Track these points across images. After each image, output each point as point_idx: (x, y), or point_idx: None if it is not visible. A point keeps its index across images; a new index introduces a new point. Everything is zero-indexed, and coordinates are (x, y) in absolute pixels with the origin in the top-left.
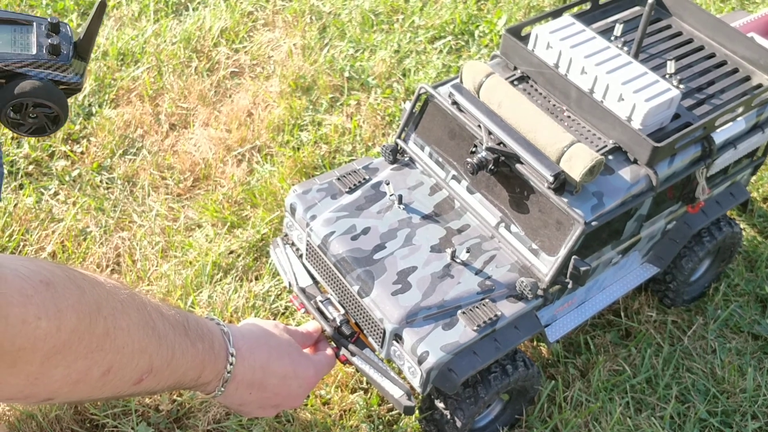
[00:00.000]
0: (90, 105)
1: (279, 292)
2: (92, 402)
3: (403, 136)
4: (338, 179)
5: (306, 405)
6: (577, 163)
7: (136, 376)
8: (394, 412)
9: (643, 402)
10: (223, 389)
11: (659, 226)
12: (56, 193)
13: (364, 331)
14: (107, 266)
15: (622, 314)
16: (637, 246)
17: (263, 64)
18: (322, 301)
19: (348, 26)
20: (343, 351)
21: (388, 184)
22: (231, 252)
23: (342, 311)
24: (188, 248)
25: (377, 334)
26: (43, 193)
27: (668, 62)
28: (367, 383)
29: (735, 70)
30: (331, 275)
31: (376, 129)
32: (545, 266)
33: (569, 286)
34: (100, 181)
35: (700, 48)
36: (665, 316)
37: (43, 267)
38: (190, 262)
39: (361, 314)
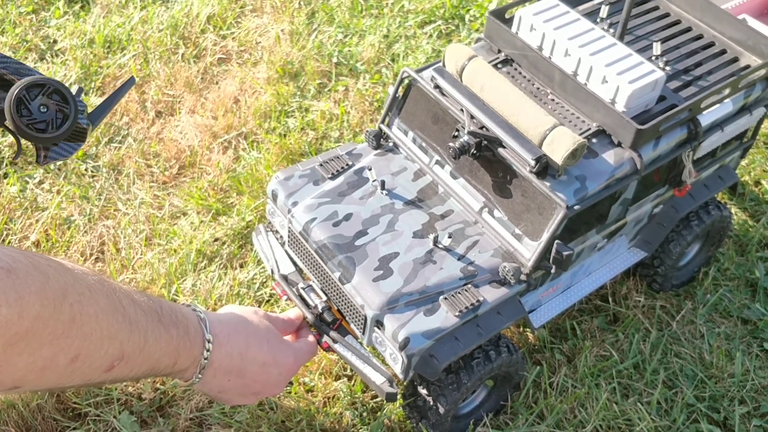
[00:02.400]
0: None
1: (264, 280)
2: (63, 390)
3: (386, 121)
4: (321, 165)
5: (289, 393)
6: (559, 146)
7: (107, 363)
8: (377, 399)
9: (630, 387)
10: (200, 376)
11: (646, 209)
12: (41, 182)
13: (346, 318)
14: (91, 254)
15: (610, 299)
16: (623, 230)
17: (251, 50)
18: (304, 288)
19: (337, 11)
20: (325, 338)
21: (370, 170)
22: (216, 240)
23: (324, 298)
24: (173, 236)
25: (359, 320)
26: (27, 182)
27: (654, 44)
28: (351, 370)
29: (723, 51)
30: (313, 262)
31: (364, 115)
32: (528, 251)
33: (552, 271)
34: (86, 170)
35: (688, 29)
36: (654, 301)
37: (5, 254)
38: (175, 250)
39: (342, 301)
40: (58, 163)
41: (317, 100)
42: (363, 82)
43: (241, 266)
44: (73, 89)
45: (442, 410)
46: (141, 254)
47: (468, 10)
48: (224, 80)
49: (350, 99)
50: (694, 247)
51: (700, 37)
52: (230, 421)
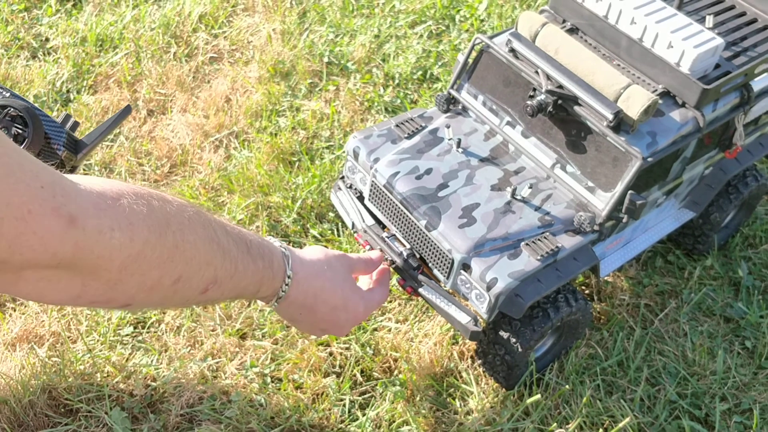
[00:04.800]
0: (68, 91)
1: None
2: (164, 309)
3: (456, 86)
4: (396, 126)
5: (279, 389)
6: (635, 102)
7: (203, 285)
8: (366, 396)
9: (614, 384)
10: (276, 304)
11: (698, 170)
12: None
13: (429, 264)
14: None
15: (596, 297)
16: (678, 189)
17: (242, 49)
18: (387, 238)
19: (328, 11)
20: (409, 283)
21: (448, 127)
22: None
23: (407, 246)
24: None
25: (444, 265)
26: None
27: (707, 17)
28: (340, 366)
29: (766, 27)
30: (398, 212)
31: (354, 114)
32: (602, 202)
33: (624, 220)
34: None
35: (732, 7)
36: (638, 299)
37: (113, 184)
38: None
39: (427, 247)
40: None
41: (308, 100)
42: (354, 82)
43: None
44: (60, 117)
45: (521, 349)
46: None
47: (458, 11)
48: (216, 79)
49: (341, 98)
50: (734, 211)
51: (743, 14)
52: (220, 417)
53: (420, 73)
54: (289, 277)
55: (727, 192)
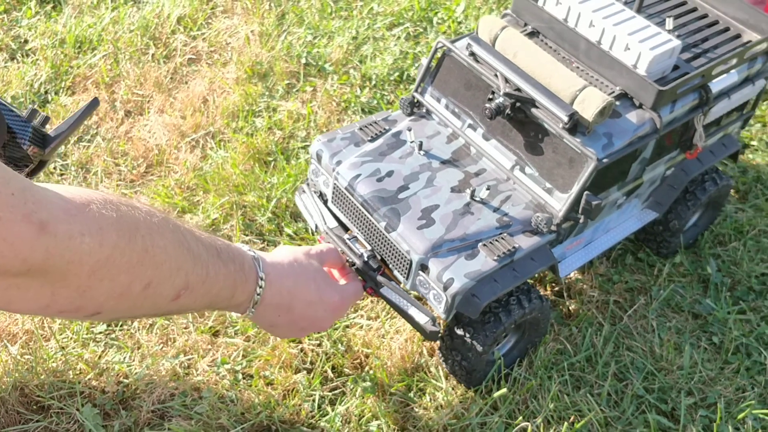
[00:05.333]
0: (46, 92)
1: None
2: (134, 318)
3: (419, 89)
4: (360, 129)
5: (250, 386)
6: (590, 104)
7: (174, 292)
8: (336, 391)
9: (582, 379)
10: (253, 311)
11: (659, 171)
12: None
13: (390, 265)
14: None
15: (565, 294)
16: (639, 190)
17: (221, 51)
18: (349, 239)
19: (307, 13)
20: (369, 283)
21: (410, 130)
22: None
23: (368, 248)
24: None
25: (403, 266)
26: None
27: (667, 19)
28: (311, 363)
29: (726, 29)
30: (358, 214)
31: (331, 115)
32: (559, 203)
33: (581, 221)
34: (54, 168)
35: (694, 9)
36: (608, 296)
37: (82, 191)
38: None
39: (387, 248)
40: None
41: (285, 101)
42: (331, 83)
43: None
44: (26, 112)
45: (480, 348)
46: None
47: (436, 13)
48: (194, 80)
49: (318, 99)
50: (696, 214)
51: (705, 16)
52: (191, 413)
53: (397, 74)
54: (262, 279)
55: (685, 198)
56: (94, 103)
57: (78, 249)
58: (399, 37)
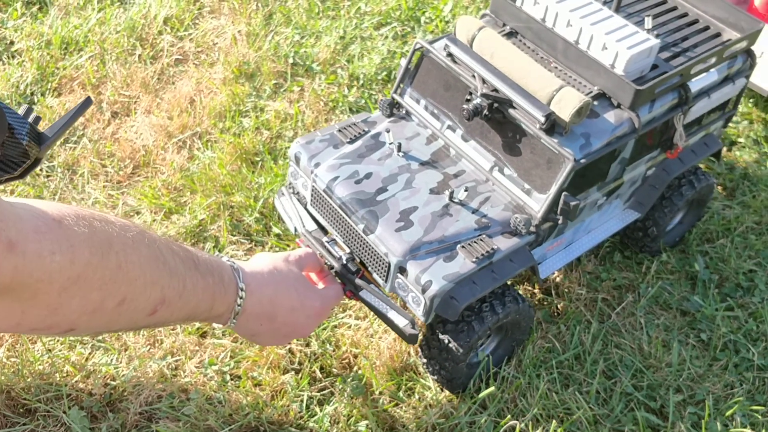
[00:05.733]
0: (32, 94)
1: None
2: (113, 332)
3: (399, 90)
4: (339, 131)
5: (237, 387)
6: (567, 104)
7: (150, 307)
8: (324, 392)
9: (570, 377)
10: (235, 321)
11: (640, 171)
12: None
13: (369, 268)
14: None
15: (553, 292)
16: (620, 190)
17: (208, 51)
18: (327, 242)
19: (294, 12)
20: (348, 287)
21: (388, 132)
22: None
23: (347, 250)
24: None
25: (382, 268)
26: None
27: (645, 18)
28: (299, 363)
29: (706, 28)
30: (337, 217)
31: (318, 115)
32: (537, 204)
33: (559, 222)
34: (40, 170)
35: (674, 8)
36: (596, 294)
37: (54, 206)
38: None
39: (366, 251)
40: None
41: (272, 101)
42: (318, 83)
43: None
44: (22, 110)
45: (456, 357)
46: None
47: (423, 12)
48: (180, 81)
49: (305, 99)
50: (680, 214)
51: (685, 15)
52: (178, 415)
53: (385, 73)
54: (242, 289)
55: (662, 204)
56: (87, 102)
57: (48, 267)
58: (386, 37)
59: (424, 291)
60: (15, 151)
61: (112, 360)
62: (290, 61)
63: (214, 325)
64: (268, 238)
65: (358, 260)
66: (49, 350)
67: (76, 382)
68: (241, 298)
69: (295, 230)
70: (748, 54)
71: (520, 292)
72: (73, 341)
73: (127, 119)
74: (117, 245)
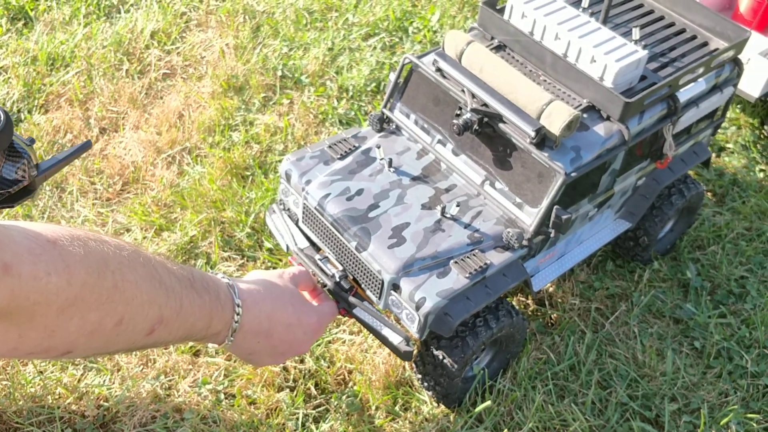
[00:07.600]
0: (19, 111)
1: None
2: (110, 354)
3: (389, 106)
4: (329, 147)
5: (232, 405)
6: (556, 118)
7: (148, 326)
8: (320, 409)
9: (566, 388)
10: (232, 339)
11: (630, 181)
12: None
13: (362, 285)
14: None
15: (547, 303)
16: (610, 201)
17: (195, 65)
18: (320, 260)
19: (282, 25)
20: (342, 305)
21: (378, 147)
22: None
23: (340, 268)
24: None
25: (375, 285)
26: None
27: (633, 30)
28: (294, 381)
29: (693, 37)
30: (329, 234)
31: (308, 127)
32: (529, 217)
33: (552, 235)
34: None
35: (661, 18)
36: (589, 303)
37: (48, 227)
38: None
39: (359, 268)
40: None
41: (262, 114)
42: (308, 95)
43: None
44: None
45: (450, 373)
46: None
47: (411, 23)
48: (169, 95)
49: (295, 112)
50: (670, 222)
51: (672, 24)
52: None
53: (374, 85)
54: (239, 306)
55: (653, 214)
56: (86, 145)
57: (44, 289)
58: (375, 48)
59: (418, 308)
60: (12, 177)
61: (104, 381)
62: (279, 73)
63: (210, 345)
64: (260, 253)
65: (351, 278)
66: (41, 372)
67: (68, 404)
68: (238, 314)
69: (287, 248)
70: (736, 63)
71: (514, 303)
72: (65, 362)
73: (116, 135)
74: (113, 265)
